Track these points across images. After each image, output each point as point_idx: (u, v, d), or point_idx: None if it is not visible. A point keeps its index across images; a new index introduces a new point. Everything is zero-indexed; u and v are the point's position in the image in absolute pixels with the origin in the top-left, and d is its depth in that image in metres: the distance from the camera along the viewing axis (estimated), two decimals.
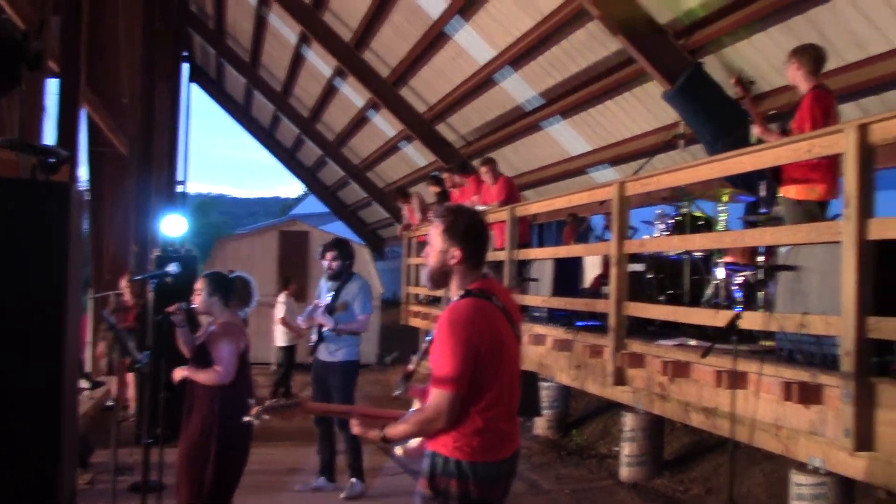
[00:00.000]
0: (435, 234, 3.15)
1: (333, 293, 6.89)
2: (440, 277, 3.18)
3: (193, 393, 5.05)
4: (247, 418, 3.11)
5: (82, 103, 8.84)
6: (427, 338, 3.22)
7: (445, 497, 2.99)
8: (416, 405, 3.22)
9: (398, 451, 3.27)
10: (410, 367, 3.33)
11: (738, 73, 5.58)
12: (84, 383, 9.40)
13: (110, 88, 12.22)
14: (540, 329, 7.72)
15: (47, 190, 3.02)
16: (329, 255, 6.93)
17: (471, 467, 2.97)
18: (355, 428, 3.17)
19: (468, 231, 3.12)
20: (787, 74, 5.60)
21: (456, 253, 3.10)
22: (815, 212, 5.40)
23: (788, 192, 5.47)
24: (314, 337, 6.93)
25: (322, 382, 6.88)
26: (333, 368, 6.82)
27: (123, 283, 9.92)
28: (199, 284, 5.14)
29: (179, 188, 22.41)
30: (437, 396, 2.96)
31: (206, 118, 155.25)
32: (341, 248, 7.00)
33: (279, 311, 12.51)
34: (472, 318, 2.99)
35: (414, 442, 3.20)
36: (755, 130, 5.46)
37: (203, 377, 4.94)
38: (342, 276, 6.91)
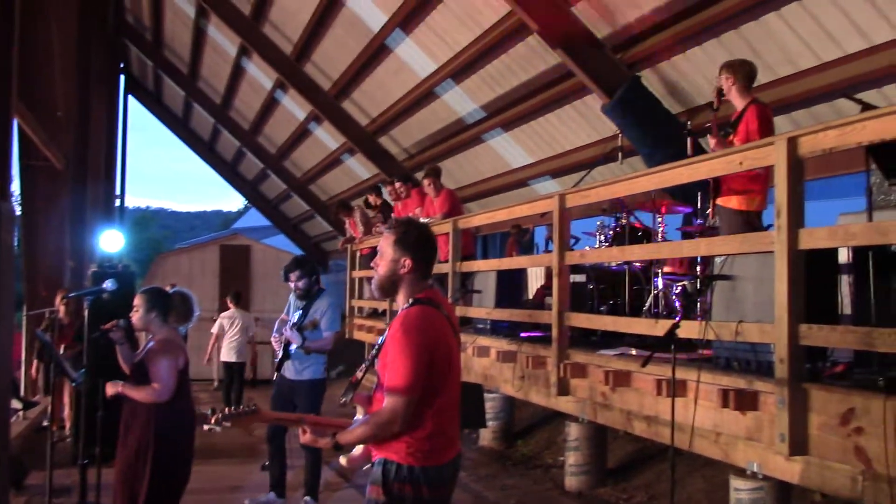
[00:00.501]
0: (386, 245, 3.26)
1: (301, 311, 6.75)
2: (389, 286, 3.27)
3: (130, 411, 4.96)
4: (207, 426, 3.14)
5: (14, 116, 8.60)
6: (376, 345, 3.31)
7: (399, 501, 3.08)
8: (359, 413, 3.30)
9: (342, 460, 3.33)
10: (358, 374, 3.44)
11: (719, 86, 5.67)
12: (16, 403, 9.16)
13: (44, 101, 11.93)
14: (484, 341, 7.75)
15: None
16: (293, 275, 6.78)
17: (423, 472, 3.08)
18: (305, 436, 3.22)
19: (418, 242, 3.25)
20: (718, 88, 5.73)
21: (407, 262, 3.21)
22: (754, 221, 5.54)
23: (729, 202, 5.59)
24: (280, 354, 6.80)
25: (286, 399, 6.73)
26: (301, 386, 6.69)
27: (58, 301, 9.68)
28: (138, 301, 5.05)
29: (117, 202, 22.02)
30: (393, 400, 3.04)
31: (144, 131, 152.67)
32: (303, 266, 6.84)
33: (231, 326, 12.34)
34: (424, 325, 3.11)
35: (357, 451, 3.29)
36: (711, 142, 5.53)
37: (140, 395, 4.85)
38: (310, 293, 6.80)
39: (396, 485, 3.08)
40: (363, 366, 3.48)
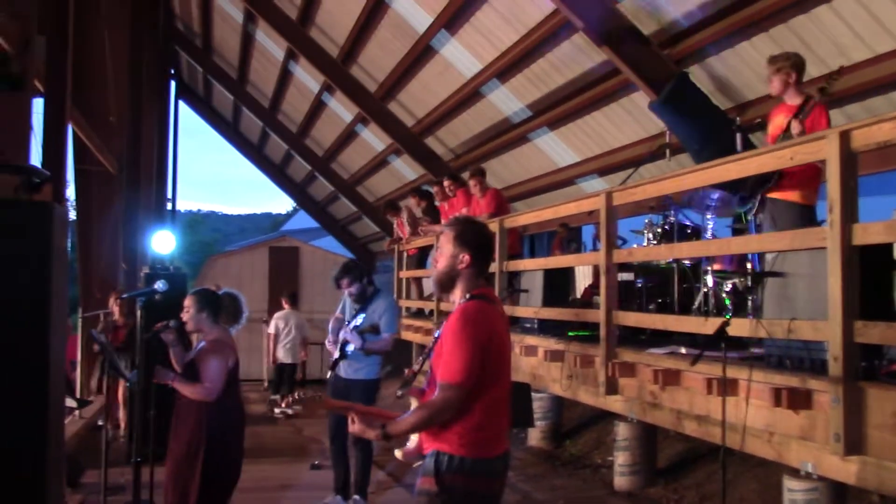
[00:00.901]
0: (445, 241, 3.40)
1: (359, 313, 6.72)
2: (447, 282, 3.39)
3: (180, 410, 5.04)
4: (277, 410, 3.33)
5: (69, 122, 8.80)
6: (433, 339, 3.38)
7: (451, 493, 3.13)
8: (414, 405, 3.34)
9: (397, 453, 3.40)
10: (414, 367, 3.59)
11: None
12: (71, 402, 9.36)
13: (97, 107, 12.17)
14: (531, 340, 7.72)
15: (29, 209, 3.01)
16: (343, 282, 6.76)
17: (474, 463, 3.14)
18: (354, 426, 3.28)
19: (477, 238, 3.39)
20: (772, 82, 5.61)
21: (465, 258, 3.33)
22: (812, 217, 5.45)
23: (790, 196, 5.49)
24: (336, 354, 6.80)
25: (342, 398, 6.73)
26: (355, 386, 6.69)
27: (112, 302, 9.87)
28: (188, 301, 5.14)
29: (168, 206, 22.39)
30: (446, 389, 3.13)
31: (194, 135, 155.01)
32: (350, 271, 6.79)
33: (286, 326, 12.44)
34: (480, 318, 3.21)
35: (412, 444, 3.35)
36: (795, 129, 5.36)
37: (189, 391, 4.93)
38: (364, 296, 6.80)
39: (448, 476, 3.13)
40: (420, 359, 3.58)
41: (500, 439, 3.25)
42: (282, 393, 12.30)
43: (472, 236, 3.36)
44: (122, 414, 9.59)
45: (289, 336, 12.74)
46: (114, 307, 9.85)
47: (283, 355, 12.59)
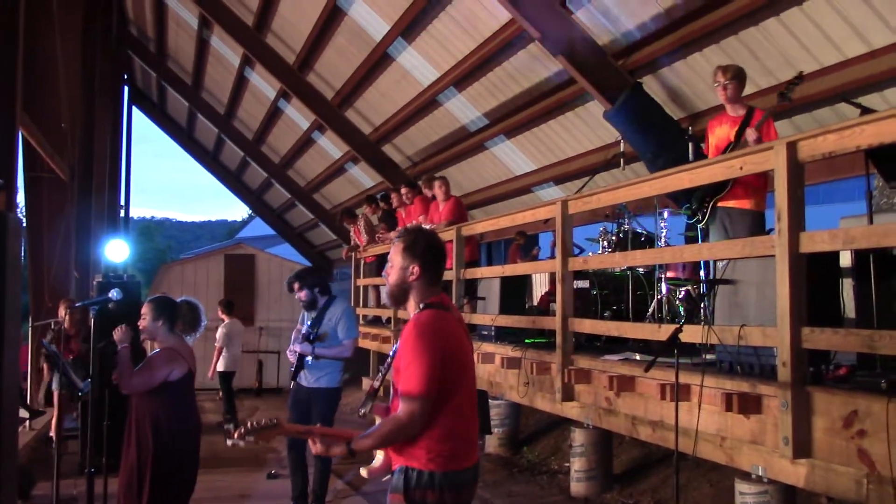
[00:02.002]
0: (395, 253, 3.32)
1: (313, 321, 6.75)
2: (400, 294, 3.32)
3: (133, 420, 4.98)
4: (230, 442, 3.14)
5: (18, 128, 8.66)
6: (390, 354, 3.32)
7: None
8: (378, 423, 3.26)
9: (363, 471, 3.33)
10: (374, 384, 3.49)
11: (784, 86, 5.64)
12: (23, 413, 9.18)
13: (48, 112, 11.99)
14: (489, 347, 7.76)
15: None
16: (295, 286, 6.82)
17: (444, 477, 3.08)
18: (316, 447, 3.20)
19: (427, 249, 3.29)
20: (725, 90, 5.72)
21: (415, 269, 3.25)
22: (762, 222, 5.58)
23: (744, 203, 5.61)
24: (294, 363, 6.79)
25: (305, 405, 6.70)
26: (317, 395, 6.66)
27: (62, 311, 9.69)
28: (145, 309, 5.08)
29: (122, 213, 22.08)
30: (408, 403, 3.05)
31: (148, 142, 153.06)
32: (302, 278, 6.86)
33: (219, 336, 12.22)
34: (436, 327, 3.14)
35: (378, 461, 3.28)
36: (751, 137, 5.45)
37: (120, 375, 4.86)
38: (317, 302, 6.80)
39: (418, 492, 3.08)
40: (379, 375, 3.52)
41: (468, 450, 3.19)
42: (233, 423, 12.05)
43: (421, 247, 3.28)
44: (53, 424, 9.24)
45: (235, 346, 12.46)
46: (64, 316, 9.67)
47: (232, 364, 12.30)
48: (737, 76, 5.70)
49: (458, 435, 3.15)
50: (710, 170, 4.97)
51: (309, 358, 6.63)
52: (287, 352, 6.97)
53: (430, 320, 3.16)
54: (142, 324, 5.07)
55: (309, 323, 6.77)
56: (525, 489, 7.83)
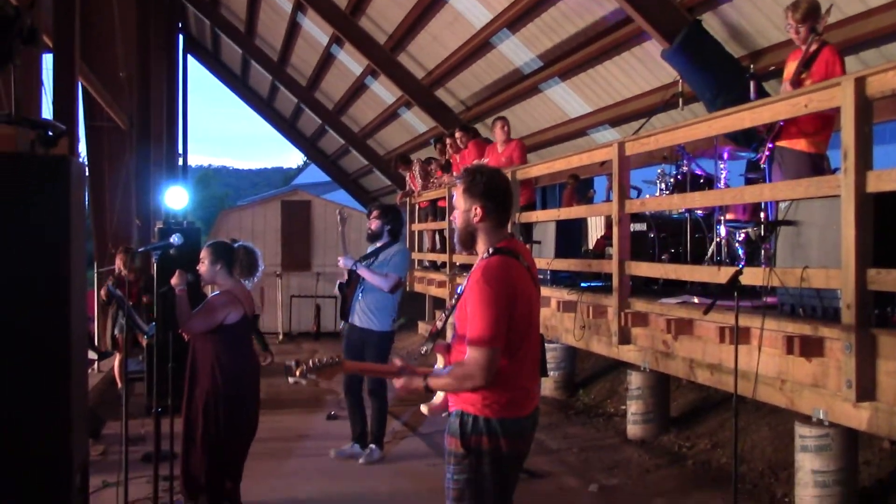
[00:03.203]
0: (458, 196, 3.24)
1: (369, 252, 6.95)
2: (467, 238, 3.24)
3: (195, 362, 5.12)
4: (292, 379, 3.16)
5: (78, 78, 8.79)
6: (455, 294, 3.26)
7: (478, 454, 3.07)
8: (440, 362, 3.30)
9: (423, 408, 3.33)
10: (437, 324, 3.44)
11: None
12: (92, 354, 9.47)
13: (106, 62, 12.14)
14: (545, 291, 7.74)
15: (46, 163, 3.02)
16: (372, 214, 7.02)
17: (500, 424, 3.06)
18: (399, 381, 3.21)
19: (487, 188, 3.17)
20: (791, 28, 5.48)
21: (478, 210, 3.16)
22: (821, 165, 5.41)
23: (797, 144, 5.43)
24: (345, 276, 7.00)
25: (357, 350, 6.77)
26: (370, 339, 6.76)
27: (119, 260, 9.87)
28: (204, 253, 5.20)
29: (180, 161, 22.41)
30: (475, 353, 3.00)
31: (204, 90, 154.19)
32: (385, 210, 7.07)
33: None
34: (504, 276, 3.05)
35: (438, 399, 3.29)
36: (787, 86, 5.27)
37: (180, 311, 5.00)
38: (381, 238, 6.93)
39: (474, 437, 3.07)
40: (443, 315, 3.47)
41: (528, 398, 3.15)
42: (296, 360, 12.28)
43: (480, 186, 3.16)
44: (117, 368, 9.47)
45: None
46: (120, 263, 9.83)
47: None
48: (807, 16, 5.38)
49: (518, 384, 3.11)
50: (773, 108, 4.83)
51: (341, 262, 6.84)
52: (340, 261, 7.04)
53: (497, 268, 3.07)
54: (201, 268, 5.18)
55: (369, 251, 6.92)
56: (581, 431, 7.87)
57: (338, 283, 7.18)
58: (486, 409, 3.06)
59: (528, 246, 8.18)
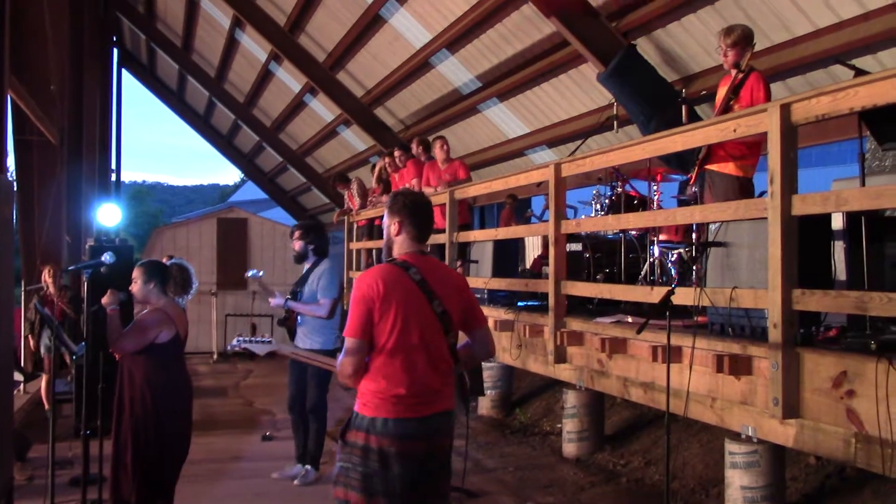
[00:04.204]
0: (385, 214, 3.57)
1: (300, 278, 6.84)
2: (387, 251, 3.56)
3: (126, 383, 5.00)
4: (230, 345, 3.38)
5: (7, 90, 8.58)
6: None
7: (352, 447, 3.30)
8: None
9: None
10: None
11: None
12: (18, 375, 9.19)
13: (37, 75, 11.85)
14: (482, 310, 7.78)
15: None
16: (295, 234, 6.92)
17: (372, 422, 3.27)
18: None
19: (404, 205, 3.50)
20: (721, 51, 5.61)
21: (395, 226, 3.49)
22: (748, 188, 5.56)
23: (725, 168, 5.58)
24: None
25: (301, 369, 6.73)
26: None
27: (45, 275, 9.62)
28: (136, 272, 5.08)
29: (113, 176, 21.96)
30: (344, 344, 3.33)
31: (139, 104, 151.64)
32: (304, 229, 6.94)
33: None
34: (369, 280, 3.32)
35: None
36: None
37: (110, 330, 4.88)
38: (307, 258, 6.84)
39: (350, 432, 3.31)
40: None
41: (408, 402, 3.27)
42: None
43: (399, 203, 3.49)
44: (43, 389, 9.22)
45: None
46: (47, 280, 9.59)
47: None
48: (739, 41, 5.51)
49: (392, 387, 3.27)
50: (705, 132, 4.95)
51: (273, 302, 6.77)
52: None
53: (367, 273, 3.38)
54: (133, 287, 5.07)
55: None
56: (517, 450, 7.91)
57: (277, 320, 7.07)
58: (365, 406, 3.31)
59: (445, 262, 8.22)
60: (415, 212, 3.48)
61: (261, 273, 7.85)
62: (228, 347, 3.47)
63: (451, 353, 3.45)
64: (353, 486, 3.26)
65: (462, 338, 3.59)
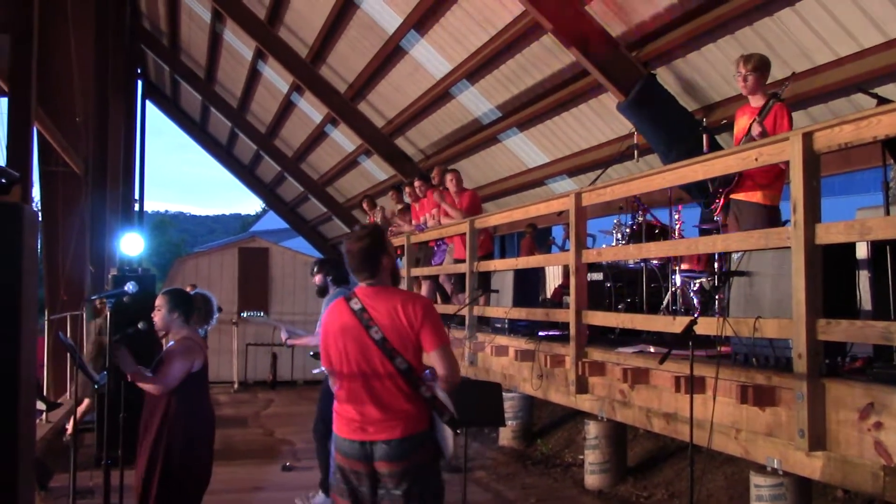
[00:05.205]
0: None
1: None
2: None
3: (149, 412, 5.00)
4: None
5: (34, 122, 8.71)
6: None
7: (334, 461, 3.74)
8: None
9: None
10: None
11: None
12: (40, 405, 9.25)
13: (63, 107, 12.05)
14: (502, 340, 7.76)
15: None
16: (314, 271, 7.08)
17: (334, 439, 3.71)
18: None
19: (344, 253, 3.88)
20: (744, 82, 5.63)
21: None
22: (776, 217, 5.52)
23: (753, 197, 5.55)
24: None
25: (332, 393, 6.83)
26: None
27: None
28: (160, 301, 5.08)
29: (136, 206, 22.19)
30: None
31: (162, 135, 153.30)
32: (322, 264, 7.10)
33: None
34: (324, 315, 3.89)
35: None
36: (756, 131, 5.39)
37: (146, 386, 4.87)
38: (328, 290, 6.91)
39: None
40: None
41: (348, 424, 3.62)
42: None
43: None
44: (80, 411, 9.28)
45: None
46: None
47: None
48: (758, 67, 5.57)
49: (343, 406, 3.67)
50: (725, 161, 4.94)
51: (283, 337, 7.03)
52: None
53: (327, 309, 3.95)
54: (156, 316, 5.08)
55: None
56: (539, 481, 7.83)
57: (311, 353, 7.15)
58: (333, 424, 3.73)
59: (486, 294, 8.20)
60: (346, 256, 3.79)
61: (261, 314, 8.00)
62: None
63: (408, 377, 3.57)
64: (336, 491, 3.70)
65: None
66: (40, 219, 12.71)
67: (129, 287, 5.04)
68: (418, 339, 3.61)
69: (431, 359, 3.67)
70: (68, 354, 8.23)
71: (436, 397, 3.60)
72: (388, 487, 3.56)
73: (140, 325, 5.08)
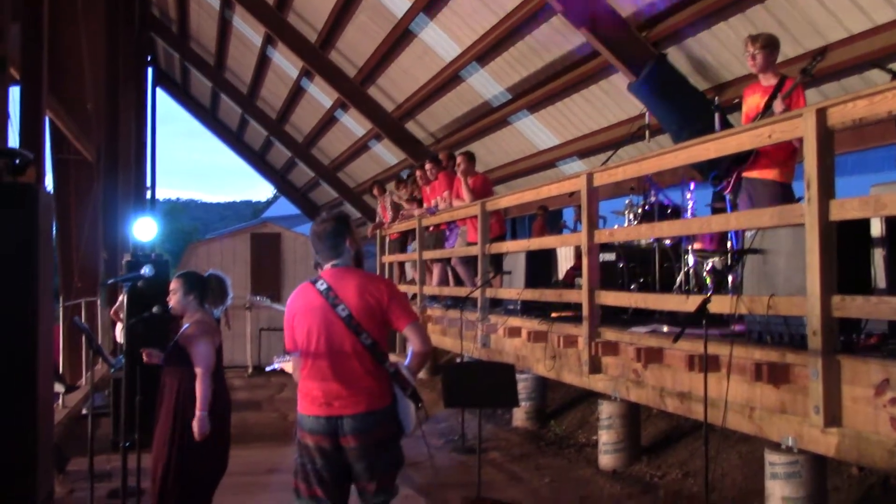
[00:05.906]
0: None
1: None
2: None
3: (164, 396, 5.02)
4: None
5: (45, 110, 8.74)
6: None
7: (297, 441, 3.84)
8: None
9: None
10: None
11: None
12: (59, 387, 9.31)
13: (74, 95, 12.07)
14: (515, 321, 7.76)
15: (14, 191, 3.00)
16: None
17: (298, 417, 3.82)
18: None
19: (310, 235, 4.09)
20: (755, 59, 5.61)
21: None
22: (790, 194, 5.51)
23: (767, 174, 5.54)
24: None
25: None
26: None
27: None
28: (175, 284, 5.10)
29: (148, 193, 22.25)
30: None
31: (172, 122, 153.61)
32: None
33: None
34: (290, 298, 3.96)
35: None
36: (778, 107, 5.36)
37: (202, 383, 4.88)
38: None
39: (298, 428, 3.84)
40: None
41: (313, 401, 3.74)
42: None
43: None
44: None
45: None
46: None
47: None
48: (767, 45, 5.59)
49: (308, 384, 3.77)
50: (738, 139, 4.91)
51: None
52: None
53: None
54: (172, 299, 5.09)
55: None
56: (553, 462, 7.84)
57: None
58: (298, 404, 3.82)
59: (498, 276, 8.21)
60: (312, 237, 3.99)
61: (258, 298, 8.01)
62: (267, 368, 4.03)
63: (373, 352, 3.73)
64: (299, 476, 3.79)
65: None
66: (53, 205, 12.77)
67: (146, 270, 5.07)
68: (384, 316, 3.80)
69: (406, 334, 3.86)
70: (84, 338, 8.28)
71: (399, 372, 3.78)
72: (351, 461, 3.71)
73: (155, 310, 5.11)
